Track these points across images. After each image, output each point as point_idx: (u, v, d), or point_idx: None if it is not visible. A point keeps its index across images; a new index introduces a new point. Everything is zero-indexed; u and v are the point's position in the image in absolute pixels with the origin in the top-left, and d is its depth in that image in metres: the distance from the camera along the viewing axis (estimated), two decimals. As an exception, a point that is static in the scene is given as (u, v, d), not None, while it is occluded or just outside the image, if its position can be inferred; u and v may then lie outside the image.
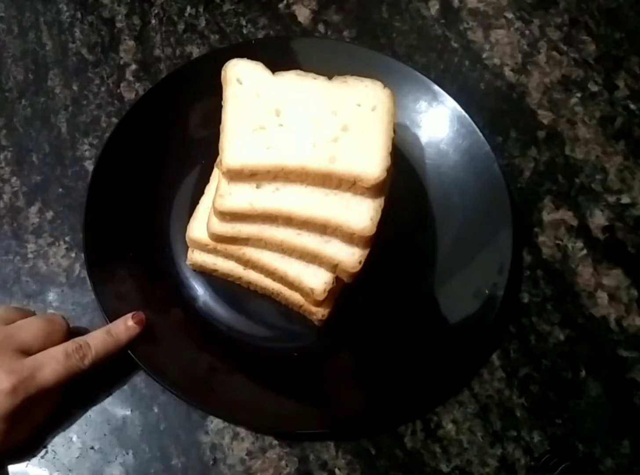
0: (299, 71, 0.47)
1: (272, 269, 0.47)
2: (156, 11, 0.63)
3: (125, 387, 0.47)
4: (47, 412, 0.44)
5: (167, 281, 0.50)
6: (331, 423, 0.45)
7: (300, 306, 0.48)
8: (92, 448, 0.45)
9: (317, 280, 0.46)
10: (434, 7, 0.63)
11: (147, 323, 0.46)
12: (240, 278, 0.49)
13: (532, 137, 0.57)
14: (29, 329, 0.44)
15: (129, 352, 0.45)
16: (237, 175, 0.45)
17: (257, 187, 0.45)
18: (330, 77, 0.47)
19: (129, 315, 0.45)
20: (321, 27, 0.62)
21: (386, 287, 0.49)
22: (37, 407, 0.43)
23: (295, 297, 0.47)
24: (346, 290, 0.48)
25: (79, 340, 0.44)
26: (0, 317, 0.45)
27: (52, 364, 0.42)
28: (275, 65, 0.48)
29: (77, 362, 0.43)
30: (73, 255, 0.52)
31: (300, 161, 0.44)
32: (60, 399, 0.45)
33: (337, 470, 0.45)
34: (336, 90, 0.47)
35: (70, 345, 0.43)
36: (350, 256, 0.44)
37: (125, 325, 0.45)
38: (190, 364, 0.46)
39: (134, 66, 0.60)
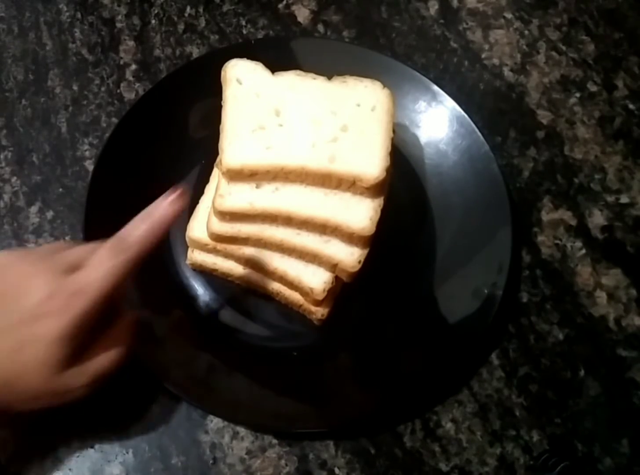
0: (298, 71, 0.47)
1: (271, 268, 0.47)
2: (156, 11, 0.63)
3: (125, 386, 0.47)
4: (112, 360, 0.40)
5: (167, 281, 0.50)
6: (331, 422, 0.45)
7: (300, 306, 0.48)
8: (92, 447, 0.46)
9: (317, 279, 0.46)
10: (433, 8, 0.63)
11: (147, 321, 0.44)
12: (240, 277, 0.49)
13: (531, 137, 0.57)
14: (76, 251, 0.41)
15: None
16: (236, 175, 0.45)
17: (257, 187, 0.45)
18: (329, 77, 0.47)
19: (168, 193, 0.40)
20: (321, 28, 0.62)
21: (385, 286, 0.50)
22: (100, 345, 0.40)
23: (295, 296, 0.47)
24: (346, 290, 0.48)
25: (119, 233, 0.40)
26: (49, 248, 0.42)
27: (97, 266, 0.38)
28: (275, 65, 0.48)
29: (124, 253, 0.38)
30: (73, 255, 0.52)
31: (300, 161, 0.44)
32: (127, 352, 0.41)
33: (336, 469, 0.45)
34: (336, 90, 0.47)
35: (110, 241, 0.39)
36: (350, 256, 0.45)
37: (166, 201, 0.40)
38: (190, 363, 0.46)
39: (134, 66, 0.60)
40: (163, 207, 0.40)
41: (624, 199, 0.54)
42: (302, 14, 0.63)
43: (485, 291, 0.48)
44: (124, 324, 0.42)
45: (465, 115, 0.53)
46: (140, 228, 0.40)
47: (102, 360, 0.40)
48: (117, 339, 0.41)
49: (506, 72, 0.60)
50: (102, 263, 0.38)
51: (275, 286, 0.48)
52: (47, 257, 0.40)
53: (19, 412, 0.39)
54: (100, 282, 0.38)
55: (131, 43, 0.61)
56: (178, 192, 0.40)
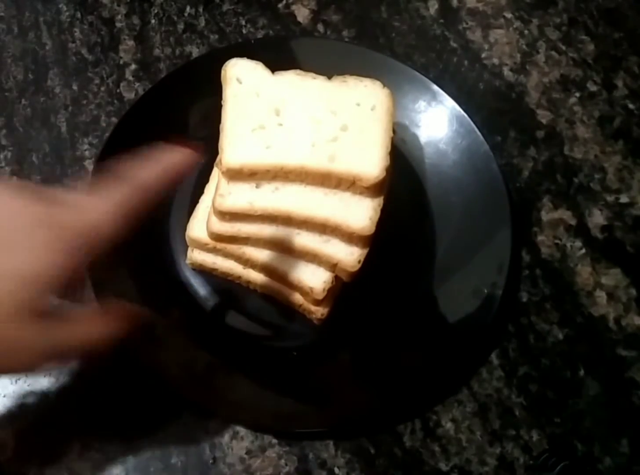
0: (298, 71, 0.48)
1: (271, 268, 0.47)
2: (156, 11, 0.63)
3: (125, 386, 0.47)
4: (88, 337, 0.32)
5: (167, 281, 0.50)
6: (330, 422, 0.45)
7: (300, 305, 0.48)
8: (92, 447, 0.45)
9: (317, 279, 0.46)
10: (433, 7, 0.63)
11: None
12: (239, 277, 0.49)
13: (531, 137, 0.57)
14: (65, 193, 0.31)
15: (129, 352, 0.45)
16: (236, 175, 0.45)
17: (257, 186, 0.45)
18: (329, 77, 0.47)
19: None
20: (320, 27, 0.62)
21: (385, 286, 0.49)
22: (84, 316, 0.33)
23: (295, 296, 0.47)
24: (345, 290, 0.48)
25: (120, 174, 0.32)
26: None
27: (98, 200, 0.30)
28: (275, 65, 0.48)
29: (129, 189, 0.31)
30: (73, 254, 0.52)
31: (300, 160, 0.44)
32: (108, 340, 0.33)
33: (336, 469, 0.45)
34: (335, 90, 0.47)
35: (110, 180, 0.31)
36: (350, 255, 0.45)
37: (178, 150, 0.34)
38: (190, 363, 0.46)
39: (133, 66, 0.60)
40: (174, 154, 0.34)
41: (624, 199, 0.54)
42: (302, 14, 0.63)
43: (485, 291, 0.48)
44: (123, 311, 0.37)
45: (465, 115, 0.53)
46: (147, 169, 0.33)
47: (78, 332, 0.32)
48: (106, 320, 0.34)
49: (506, 71, 0.60)
50: (102, 198, 0.30)
51: (275, 285, 0.48)
52: (35, 190, 0.31)
53: None
54: (105, 217, 0.30)
55: (131, 43, 0.61)
56: (193, 146, 0.35)
